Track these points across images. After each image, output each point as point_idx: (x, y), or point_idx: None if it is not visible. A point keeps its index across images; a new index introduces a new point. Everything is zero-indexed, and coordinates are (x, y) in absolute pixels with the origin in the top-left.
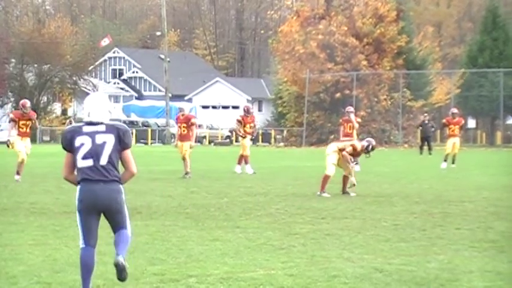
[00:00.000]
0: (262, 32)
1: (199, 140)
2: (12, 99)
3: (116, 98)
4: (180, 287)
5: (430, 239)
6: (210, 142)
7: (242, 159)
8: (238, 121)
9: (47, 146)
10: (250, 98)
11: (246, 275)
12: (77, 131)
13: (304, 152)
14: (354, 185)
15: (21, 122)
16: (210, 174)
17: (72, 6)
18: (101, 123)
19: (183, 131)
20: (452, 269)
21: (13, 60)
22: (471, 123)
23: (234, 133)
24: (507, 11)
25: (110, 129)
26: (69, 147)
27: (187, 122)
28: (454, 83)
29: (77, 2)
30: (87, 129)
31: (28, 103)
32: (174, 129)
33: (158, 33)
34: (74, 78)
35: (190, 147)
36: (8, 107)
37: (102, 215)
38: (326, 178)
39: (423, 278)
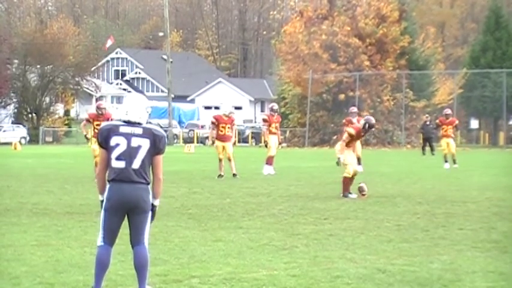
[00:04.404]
0: (264, 32)
1: (202, 140)
2: (14, 99)
3: (118, 99)
4: None
5: (432, 240)
6: (212, 143)
7: (271, 159)
8: (264, 120)
9: (49, 147)
10: (252, 99)
11: (248, 276)
12: (114, 130)
13: (307, 152)
14: (362, 188)
15: (95, 123)
16: (212, 175)
17: (74, 7)
18: (139, 124)
19: (227, 131)
20: (455, 270)
21: (16, 60)
22: (474, 123)
23: (262, 136)
24: (510, 11)
25: (147, 133)
26: (105, 144)
27: (231, 123)
28: (457, 83)
29: (79, 3)
30: (124, 129)
31: (103, 104)
32: (177, 129)
33: (161, 34)
34: (77, 79)
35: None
36: (11, 107)
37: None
38: (346, 180)
39: (426, 279)
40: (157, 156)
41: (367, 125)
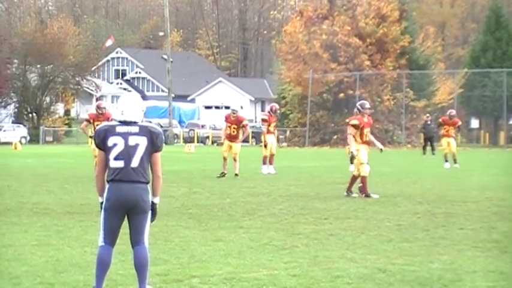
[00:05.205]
0: (265, 32)
1: (202, 140)
2: (15, 99)
3: (118, 99)
4: None
5: (433, 239)
6: (213, 142)
7: (266, 159)
8: (264, 120)
9: (50, 147)
10: (253, 98)
11: (249, 276)
12: (110, 131)
13: (307, 152)
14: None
15: (96, 123)
16: (213, 174)
17: (74, 7)
18: (135, 123)
19: (233, 131)
20: (456, 269)
21: (16, 60)
22: (474, 123)
23: (263, 136)
24: (510, 11)
25: (143, 131)
26: (102, 145)
27: (238, 124)
28: (457, 83)
29: (79, 3)
30: (120, 129)
31: (103, 104)
32: (177, 129)
33: (161, 34)
34: (77, 79)
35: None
36: (11, 107)
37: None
38: (363, 179)
39: (426, 279)
40: (155, 154)
41: (359, 107)
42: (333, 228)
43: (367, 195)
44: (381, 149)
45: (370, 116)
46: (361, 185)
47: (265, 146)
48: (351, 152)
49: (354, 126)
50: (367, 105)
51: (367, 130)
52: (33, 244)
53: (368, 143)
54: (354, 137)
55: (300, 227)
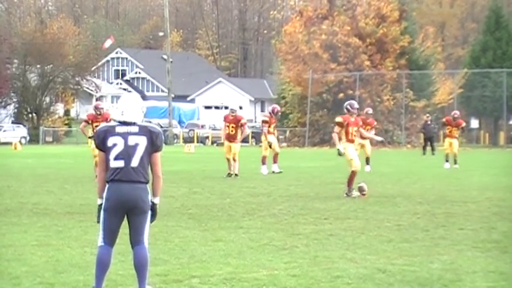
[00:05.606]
0: (265, 32)
1: (202, 140)
2: (15, 99)
3: (118, 99)
4: None
5: (433, 240)
6: (212, 143)
7: (266, 159)
8: (265, 121)
9: (49, 147)
10: (253, 99)
11: (249, 276)
12: (110, 131)
13: (307, 152)
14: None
15: (94, 124)
16: (213, 175)
17: (74, 7)
18: (134, 123)
19: (231, 131)
20: (456, 270)
21: (16, 60)
22: (474, 123)
23: (263, 135)
24: (510, 11)
25: (143, 131)
26: (102, 146)
27: (236, 123)
28: (457, 83)
29: (79, 3)
30: (120, 129)
31: (101, 104)
32: (177, 129)
33: (161, 34)
34: (77, 79)
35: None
36: (11, 107)
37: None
38: (353, 174)
39: (426, 279)
40: (155, 154)
41: (348, 106)
42: (333, 229)
43: (349, 191)
44: (382, 141)
45: (359, 116)
46: (360, 184)
47: (270, 146)
48: (338, 149)
49: (338, 124)
50: (356, 105)
51: (353, 129)
52: (33, 244)
53: (353, 141)
54: (339, 135)
55: (300, 227)
